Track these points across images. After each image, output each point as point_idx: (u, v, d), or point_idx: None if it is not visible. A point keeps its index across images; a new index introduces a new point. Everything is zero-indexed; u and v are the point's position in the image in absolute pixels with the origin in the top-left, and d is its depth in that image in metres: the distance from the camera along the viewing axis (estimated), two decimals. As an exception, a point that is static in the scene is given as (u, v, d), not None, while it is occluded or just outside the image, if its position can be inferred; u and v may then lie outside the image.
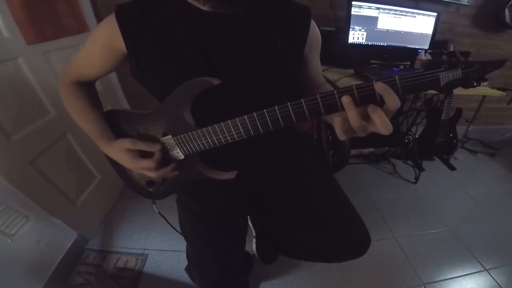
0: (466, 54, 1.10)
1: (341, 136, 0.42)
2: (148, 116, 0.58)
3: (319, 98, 0.41)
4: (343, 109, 0.40)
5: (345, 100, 0.38)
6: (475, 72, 0.38)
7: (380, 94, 0.38)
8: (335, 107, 0.41)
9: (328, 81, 1.30)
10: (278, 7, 0.55)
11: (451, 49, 1.63)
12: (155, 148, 0.55)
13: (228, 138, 0.50)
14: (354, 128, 0.40)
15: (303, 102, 0.42)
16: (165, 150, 0.58)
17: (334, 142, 1.26)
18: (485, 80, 0.38)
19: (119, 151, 0.57)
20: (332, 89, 0.42)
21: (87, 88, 0.65)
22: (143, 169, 0.57)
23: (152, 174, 0.58)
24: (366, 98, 0.39)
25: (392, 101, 0.37)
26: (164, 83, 0.52)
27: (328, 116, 0.43)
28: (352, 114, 0.39)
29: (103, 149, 0.61)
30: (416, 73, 0.38)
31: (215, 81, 0.48)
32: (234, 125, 0.48)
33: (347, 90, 0.39)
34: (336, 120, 0.41)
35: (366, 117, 0.40)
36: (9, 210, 0.87)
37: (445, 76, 0.37)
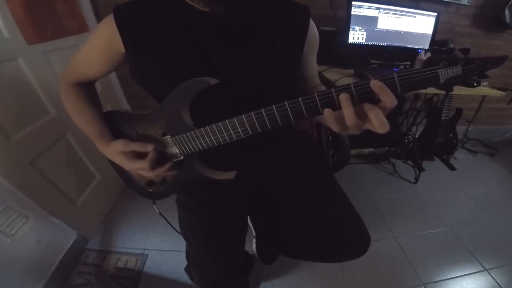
0: (465, 50, 1.08)
1: (335, 129, 0.42)
2: (147, 117, 0.58)
3: (316, 96, 0.41)
4: (340, 107, 0.39)
5: (343, 97, 0.38)
6: (475, 69, 0.37)
7: (376, 91, 0.37)
8: (332, 105, 0.40)
9: (328, 81, 1.30)
10: (278, 7, 0.55)
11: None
12: (148, 148, 0.54)
13: (227, 137, 0.50)
14: (348, 126, 0.40)
15: (300, 101, 0.42)
16: (161, 149, 0.57)
17: (334, 142, 1.25)
18: (485, 77, 0.38)
19: (114, 153, 0.57)
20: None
21: (87, 89, 0.64)
22: (138, 169, 0.57)
23: (148, 174, 0.57)
24: (364, 96, 0.39)
25: (388, 98, 0.37)
26: (164, 84, 0.52)
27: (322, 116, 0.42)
28: (348, 112, 0.39)
29: (102, 151, 0.61)
30: (415, 70, 0.37)
31: (213, 81, 0.48)
32: (232, 125, 0.48)
33: (345, 88, 0.39)
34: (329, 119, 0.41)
35: (361, 115, 0.40)
36: (9, 210, 0.87)
37: (444, 73, 0.37)
